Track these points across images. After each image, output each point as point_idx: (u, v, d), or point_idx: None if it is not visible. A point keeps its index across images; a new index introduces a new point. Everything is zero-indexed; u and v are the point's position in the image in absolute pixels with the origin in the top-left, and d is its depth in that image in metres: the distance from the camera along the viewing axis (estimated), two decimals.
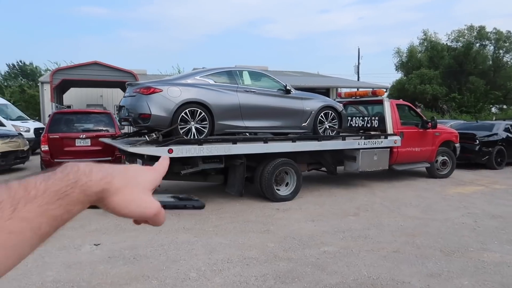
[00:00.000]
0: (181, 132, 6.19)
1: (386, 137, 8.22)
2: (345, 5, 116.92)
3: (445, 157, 9.54)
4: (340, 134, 7.88)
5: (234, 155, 6.49)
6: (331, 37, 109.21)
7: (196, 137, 6.28)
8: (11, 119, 14.68)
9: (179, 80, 6.54)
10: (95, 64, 16.83)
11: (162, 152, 5.75)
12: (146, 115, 6.07)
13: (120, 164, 0.56)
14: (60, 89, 19.36)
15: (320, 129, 7.62)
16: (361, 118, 9.34)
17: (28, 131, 13.87)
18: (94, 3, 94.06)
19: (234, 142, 6.43)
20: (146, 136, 6.44)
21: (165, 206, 0.58)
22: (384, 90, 24.20)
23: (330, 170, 8.26)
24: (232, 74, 6.92)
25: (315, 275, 3.83)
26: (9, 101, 22.86)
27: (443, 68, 35.04)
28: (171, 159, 5.84)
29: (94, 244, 4.74)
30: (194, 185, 8.09)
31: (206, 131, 6.41)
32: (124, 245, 4.69)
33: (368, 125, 9.06)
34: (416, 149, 8.87)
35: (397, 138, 8.37)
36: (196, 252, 4.47)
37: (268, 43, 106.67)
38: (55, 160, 8.54)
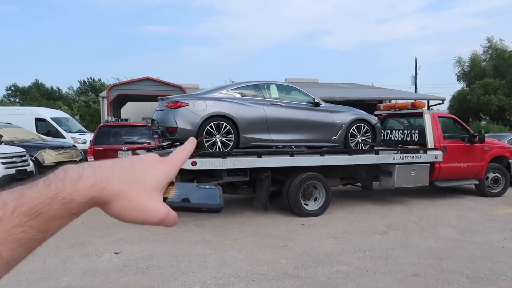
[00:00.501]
0: (206, 145, 6.30)
1: (425, 152, 7.74)
2: (405, 13, 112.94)
3: (497, 174, 8.76)
4: (374, 148, 7.56)
5: (259, 168, 6.46)
6: (389, 48, 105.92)
7: (221, 150, 6.36)
8: (71, 132, 15.88)
9: (206, 94, 6.69)
10: (147, 79, 17.74)
11: (185, 164, 5.87)
12: (173, 128, 6.26)
13: (128, 158, 0.50)
14: (117, 104, 20.61)
15: (352, 142, 7.36)
16: (400, 131, 8.90)
17: (84, 143, 14.90)
18: (157, 22, 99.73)
19: (259, 155, 6.42)
20: (172, 148, 6.62)
21: (176, 208, 0.52)
22: (441, 101, 23.04)
23: (365, 185, 7.93)
24: (258, 88, 6.93)
25: None
26: (76, 115, 24.73)
27: (510, 77, 32.43)
28: (198, 171, 6.00)
29: (114, 253, 4.92)
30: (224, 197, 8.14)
31: (231, 144, 6.46)
32: (142, 254, 4.83)
33: (408, 139, 8.60)
34: (462, 164, 8.23)
35: (438, 153, 7.84)
36: (207, 265, 4.48)
37: (324, 55, 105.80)
38: None
